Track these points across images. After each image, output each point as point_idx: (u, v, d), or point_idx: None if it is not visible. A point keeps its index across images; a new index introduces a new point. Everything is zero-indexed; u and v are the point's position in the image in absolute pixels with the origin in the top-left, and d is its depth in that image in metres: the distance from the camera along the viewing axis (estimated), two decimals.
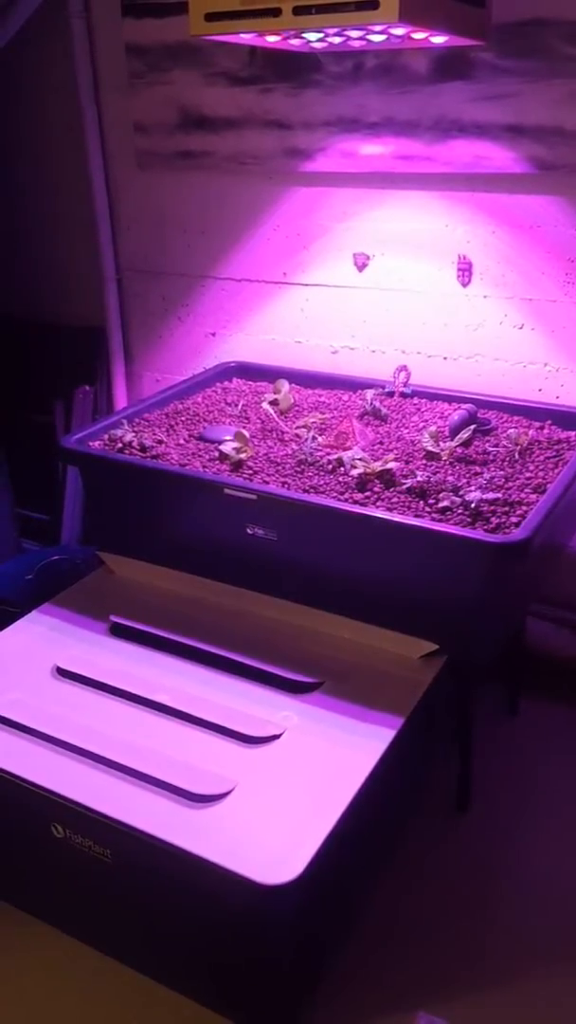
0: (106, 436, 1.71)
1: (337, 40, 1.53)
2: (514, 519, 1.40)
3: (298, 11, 1.34)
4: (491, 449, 1.64)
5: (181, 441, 1.72)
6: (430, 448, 1.62)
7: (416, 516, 1.42)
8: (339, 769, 1.28)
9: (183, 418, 1.83)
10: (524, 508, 1.42)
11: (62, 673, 1.49)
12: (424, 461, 1.61)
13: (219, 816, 1.21)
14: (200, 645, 1.53)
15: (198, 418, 1.84)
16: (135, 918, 1.34)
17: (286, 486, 1.52)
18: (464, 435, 1.64)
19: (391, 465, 1.53)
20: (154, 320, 2.30)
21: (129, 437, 1.68)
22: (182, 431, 1.77)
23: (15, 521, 2.37)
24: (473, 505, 1.41)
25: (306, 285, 2.06)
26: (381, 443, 1.70)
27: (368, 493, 1.49)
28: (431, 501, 1.45)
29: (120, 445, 1.67)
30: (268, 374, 2.05)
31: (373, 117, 1.81)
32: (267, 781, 1.27)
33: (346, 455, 1.57)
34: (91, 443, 1.69)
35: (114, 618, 1.61)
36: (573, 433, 1.72)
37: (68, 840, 1.28)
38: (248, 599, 1.61)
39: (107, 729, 1.36)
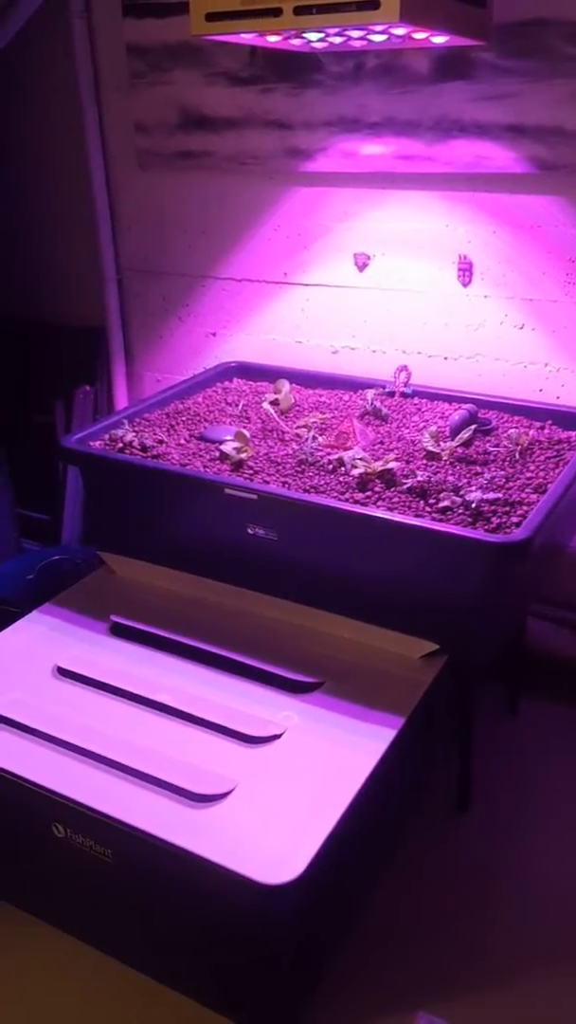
0: (107, 436, 1.71)
1: (338, 40, 1.53)
2: (515, 519, 1.40)
3: (299, 11, 1.34)
4: (492, 449, 1.64)
5: (182, 441, 1.72)
6: (431, 448, 1.62)
7: (417, 516, 1.42)
8: (340, 769, 1.28)
9: (184, 418, 1.83)
10: (525, 508, 1.42)
11: (63, 673, 1.49)
12: (425, 461, 1.61)
13: (220, 816, 1.21)
14: (201, 645, 1.53)
15: (199, 418, 1.84)
16: (136, 918, 1.34)
17: (287, 486, 1.52)
18: (465, 435, 1.64)
19: (392, 465, 1.53)
20: (154, 320, 2.30)
21: (130, 437, 1.68)
22: (183, 431, 1.77)
23: (15, 521, 2.37)
24: (474, 505, 1.41)
25: (307, 285, 2.06)
26: (382, 443, 1.70)
27: (369, 493, 1.49)
28: (432, 501, 1.45)
29: (121, 445, 1.67)
30: (269, 374, 2.05)
31: (374, 117, 1.81)
32: (268, 781, 1.27)
33: (347, 455, 1.57)
34: (92, 443, 1.69)
35: (115, 618, 1.61)
36: (574, 433, 1.72)
37: (69, 840, 1.28)
38: (249, 599, 1.61)
39: (108, 729, 1.36)
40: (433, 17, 1.40)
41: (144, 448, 1.66)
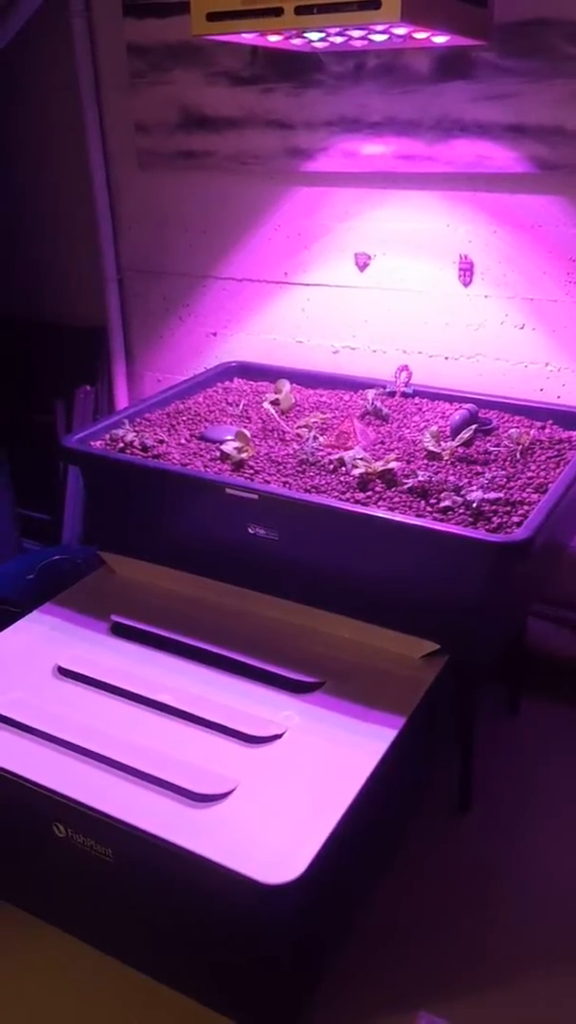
0: (107, 436, 1.71)
1: (339, 40, 1.53)
2: (516, 519, 1.40)
3: (300, 11, 1.34)
4: (492, 449, 1.64)
5: (182, 441, 1.72)
6: (431, 448, 1.62)
7: (418, 516, 1.42)
8: (340, 769, 1.28)
9: (184, 418, 1.83)
10: (526, 508, 1.42)
11: (63, 673, 1.49)
12: (425, 461, 1.61)
13: (220, 816, 1.21)
14: (201, 645, 1.53)
15: (199, 418, 1.84)
16: (136, 918, 1.34)
17: (287, 486, 1.52)
18: (465, 435, 1.64)
19: (392, 465, 1.53)
20: (155, 320, 2.30)
21: (130, 437, 1.68)
22: (183, 431, 1.77)
23: (16, 521, 2.37)
24: (475, 505, 1.41)
25: (307, 285, 2.06)
26: (382, 443, 1.70)
27: (369, 493, 1.49)
28: (432, 501, 1.45)
29: (121, 445, 1.67)
30: (269, 374, 2.05)
31: (375, 117, 1.81)
32: (268, 781, 1.27)
33: (347, 455, 1.57)
34: (92, 443, 1.69)
35: (115, 618, 1.61)
36: (574, 433, 1.72)
37: (70, 840, 1.28)
38: (249, 599, 1.61)
39: (108, 729, 1.36)
40: (434, 17, 1.40)
41: (145, 448, 1.66)
